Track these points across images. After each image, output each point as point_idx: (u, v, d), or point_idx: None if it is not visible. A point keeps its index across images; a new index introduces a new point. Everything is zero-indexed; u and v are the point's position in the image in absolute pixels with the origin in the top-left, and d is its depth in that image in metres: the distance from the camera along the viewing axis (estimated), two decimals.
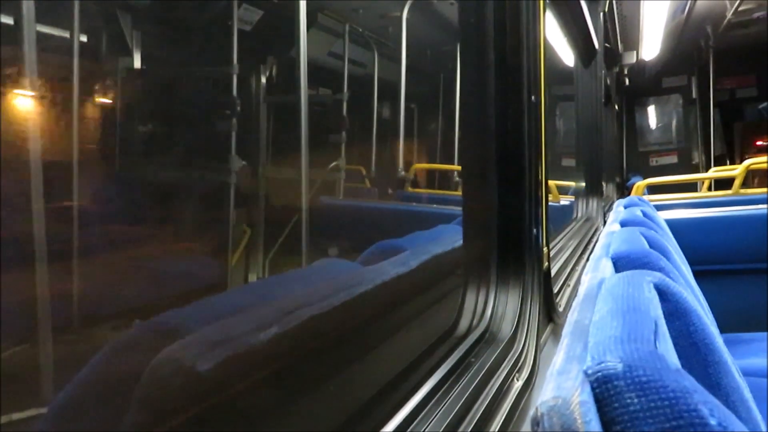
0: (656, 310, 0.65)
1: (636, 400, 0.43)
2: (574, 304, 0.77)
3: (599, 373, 0.46)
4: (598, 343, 0.50)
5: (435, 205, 3.44)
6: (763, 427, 0.79)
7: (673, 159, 7.88)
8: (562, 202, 3.80)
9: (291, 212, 3.72)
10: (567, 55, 3.44)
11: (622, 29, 4.50)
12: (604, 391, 0.45)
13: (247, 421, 0.64)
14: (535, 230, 1.05)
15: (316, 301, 0.78)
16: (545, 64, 1.15)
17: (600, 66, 3.15)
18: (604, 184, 3.43)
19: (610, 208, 3.33)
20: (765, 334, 2.20)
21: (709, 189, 4.56)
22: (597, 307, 0.65)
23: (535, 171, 1.04)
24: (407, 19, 4.60)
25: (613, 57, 4.31)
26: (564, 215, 3.22)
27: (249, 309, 0.77)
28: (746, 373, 1.07)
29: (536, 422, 0.44)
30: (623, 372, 0.45)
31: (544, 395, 0.46)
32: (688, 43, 6.68)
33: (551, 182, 3.10)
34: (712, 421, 0.41)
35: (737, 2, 5.01)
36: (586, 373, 0.46)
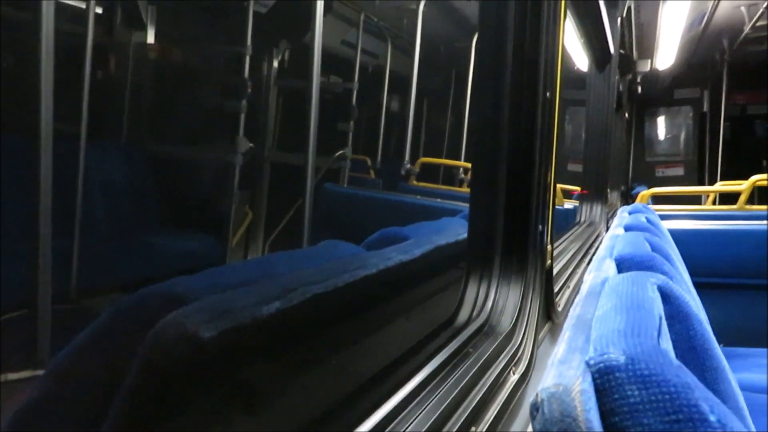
0: (659, 310, 0.65)
1: (636, 393, 0.43)
2: (577, 299, 0.77)
3: (601, 364, 0.46)
4: (601, 335, 0.50)
5: (439, 200, 3.44)
6: None
7: (679, 171, 7.86)
8: (566, 206, 3.79)
9: (294, 197, 3.71)
10: (579, 59, 3.43)
11: (639, 36, 4.48)
12: (605, 381, 0.45)
13: (247, 392, 0.64)
14: (540, 227, 1.04)
15: (319, 280, 0.78)
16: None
17: (614, 71, 3.13)
18: (609, 190, 3.42)
19: (613, 215, 3.32)
20: (764, 350, 2.19)
21: (714, 203, 4.55)
22: (600, 303, 0.65)
23: (544, 167, 1.04)
24: (423, 13, 4.57)
25: (627, 63, 4.29)
26: (567, 219, 3.22)
27: (250, 283, 0.77)
28: (743, 388, 1.07)
29: (536, 408, 0.44)
30: (625, 364, 0.45)
31: (545, 383, 0.46)
32: (703, 56, 6.65)
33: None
34: (712, 418, 0.41)
35: (756, 17, 4.99)
36: (587, 363, 0.46)
